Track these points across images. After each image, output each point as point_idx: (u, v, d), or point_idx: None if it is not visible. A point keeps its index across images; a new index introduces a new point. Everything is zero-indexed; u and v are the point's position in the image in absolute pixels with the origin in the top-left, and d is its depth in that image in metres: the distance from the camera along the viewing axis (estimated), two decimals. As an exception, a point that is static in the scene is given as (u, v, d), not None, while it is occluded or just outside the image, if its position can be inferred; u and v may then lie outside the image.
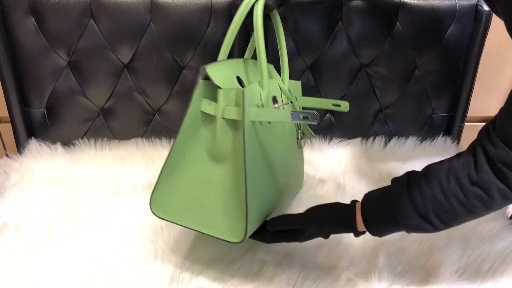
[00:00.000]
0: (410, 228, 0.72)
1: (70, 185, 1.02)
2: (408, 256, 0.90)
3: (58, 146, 1.12)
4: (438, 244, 0.92)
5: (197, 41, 1.04)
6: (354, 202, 0.79)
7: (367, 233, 0.77)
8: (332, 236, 0.89)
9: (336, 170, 1.09)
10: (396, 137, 1.19)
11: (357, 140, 1.19)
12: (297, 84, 0.97)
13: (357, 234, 0.78)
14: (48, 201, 0.97)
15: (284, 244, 0.90)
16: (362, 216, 0.75)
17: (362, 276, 0.86)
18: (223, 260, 0.87)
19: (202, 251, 0.89)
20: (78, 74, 1.06)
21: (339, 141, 1.18)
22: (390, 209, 0.72)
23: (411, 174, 0.74)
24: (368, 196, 0.77)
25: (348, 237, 0.92)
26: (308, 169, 1.10)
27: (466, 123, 1.20)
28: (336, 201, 0.82)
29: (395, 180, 0.75)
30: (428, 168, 0.72)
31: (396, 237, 0.94)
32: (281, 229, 0.81)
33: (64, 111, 1.10)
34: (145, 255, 0.87)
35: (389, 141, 1.19)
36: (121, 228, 0.93)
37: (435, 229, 0.71)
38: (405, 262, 0.89)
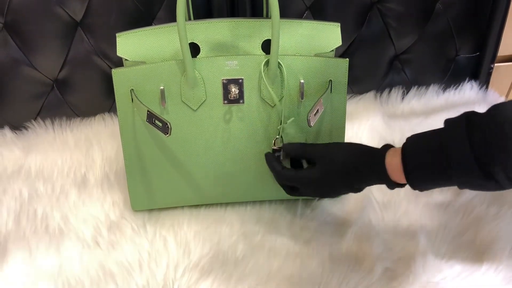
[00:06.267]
0: (463, 184, 0.62)
1: (24, 179, 0.91)
2: (452, 232, 0.80)
3: (7, 131, 1.01)
4: (485, 214, 0.82)
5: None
6: (385, 147, 0.69)
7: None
8: (356, 217, 0.82)
9: (348, 132, 0.98)
10: (416, 86, 1.11)
11: (370, 94, 1.10)
12: (331, 63, 0.75)
13: (392, 186, 0.68)
14: (-3, 201, 0.86)
15: (297, 233, 0.81)
16: (403, 166, 0.65)
17: (402, 264, 0.75)
18: (228, 258, 0.77)
19: (199, 249, 0.78)
20: (19, 39, 0.93)
21: (350, 97, 1.08)
22: (441, 158, 0.61)
23: (471, 119, 0.60)
24: (411, 141, 0.66)
25: (376, 216, 0.84)
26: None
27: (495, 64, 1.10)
28: None
29: (450, 124, 0.62)
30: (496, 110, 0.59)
31: (433, 210, 0.84)
32: (295, 154, 0.77)
33: (8, 88, 0.98)
34: (127, 262, 0.76)
35: (407, 92, 1.11)
36: (93, 230, 0.82)
37: (500, 187, 0.59)
38: (449, 241, 0.79)
